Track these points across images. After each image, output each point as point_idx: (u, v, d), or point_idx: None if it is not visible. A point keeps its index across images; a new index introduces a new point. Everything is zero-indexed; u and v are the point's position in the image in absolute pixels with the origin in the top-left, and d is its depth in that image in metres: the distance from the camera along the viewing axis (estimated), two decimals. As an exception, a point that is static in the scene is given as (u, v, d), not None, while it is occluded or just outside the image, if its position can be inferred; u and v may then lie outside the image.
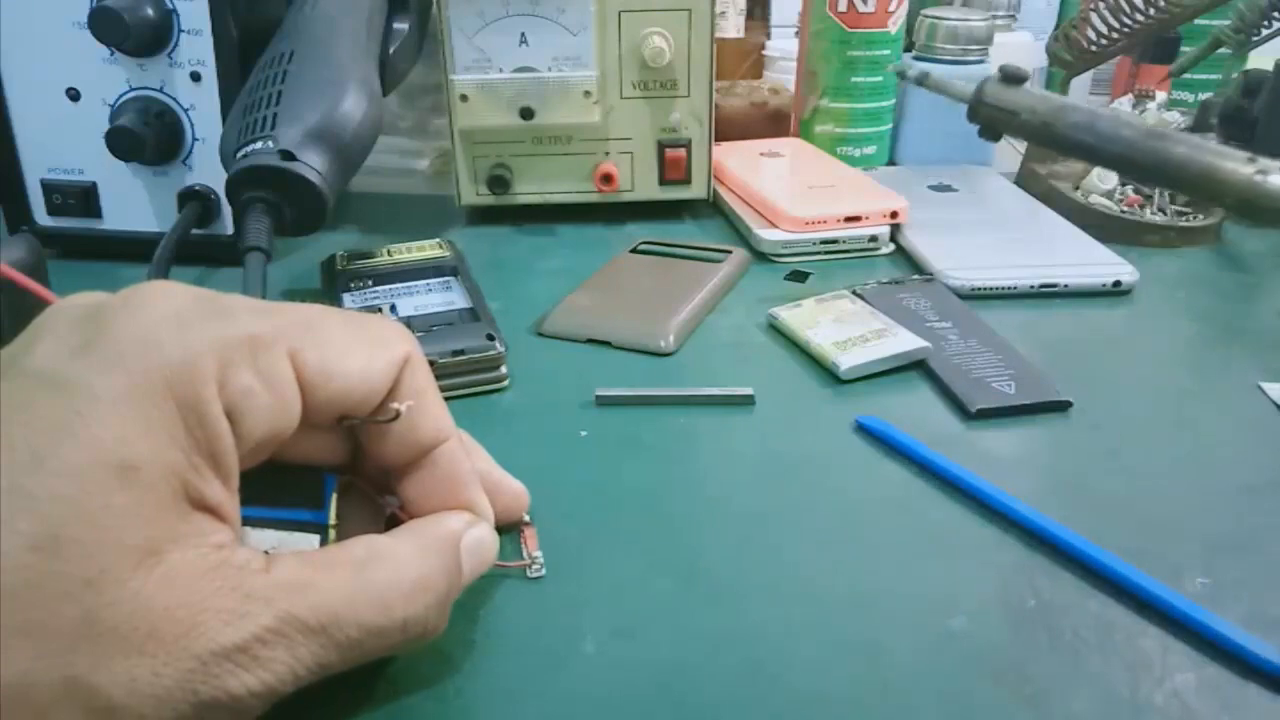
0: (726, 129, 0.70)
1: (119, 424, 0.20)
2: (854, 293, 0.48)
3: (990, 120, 0.36)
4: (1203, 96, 0.74)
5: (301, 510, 0.26)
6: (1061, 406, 0.39)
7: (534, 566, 0.30)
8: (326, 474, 0.27)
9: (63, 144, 0.53)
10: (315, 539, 0.25)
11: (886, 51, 0.68)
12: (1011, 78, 0.30)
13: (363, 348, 0.25)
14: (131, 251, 0.53)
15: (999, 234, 0.56)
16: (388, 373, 0.25)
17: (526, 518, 0.32)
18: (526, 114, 0.57)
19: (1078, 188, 0.62)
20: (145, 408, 0.21)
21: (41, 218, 0.54)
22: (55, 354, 0.21)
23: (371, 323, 0.26)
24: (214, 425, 0.22)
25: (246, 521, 0.24)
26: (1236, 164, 0.25)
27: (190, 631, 0.20)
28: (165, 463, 0.21)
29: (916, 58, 0.72)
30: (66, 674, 0.19)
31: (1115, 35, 0.69)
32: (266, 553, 0.23)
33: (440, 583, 0.25)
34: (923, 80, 0.39)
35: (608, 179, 0.60)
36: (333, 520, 0.26)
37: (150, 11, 0.49)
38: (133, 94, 0.51)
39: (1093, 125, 0.30)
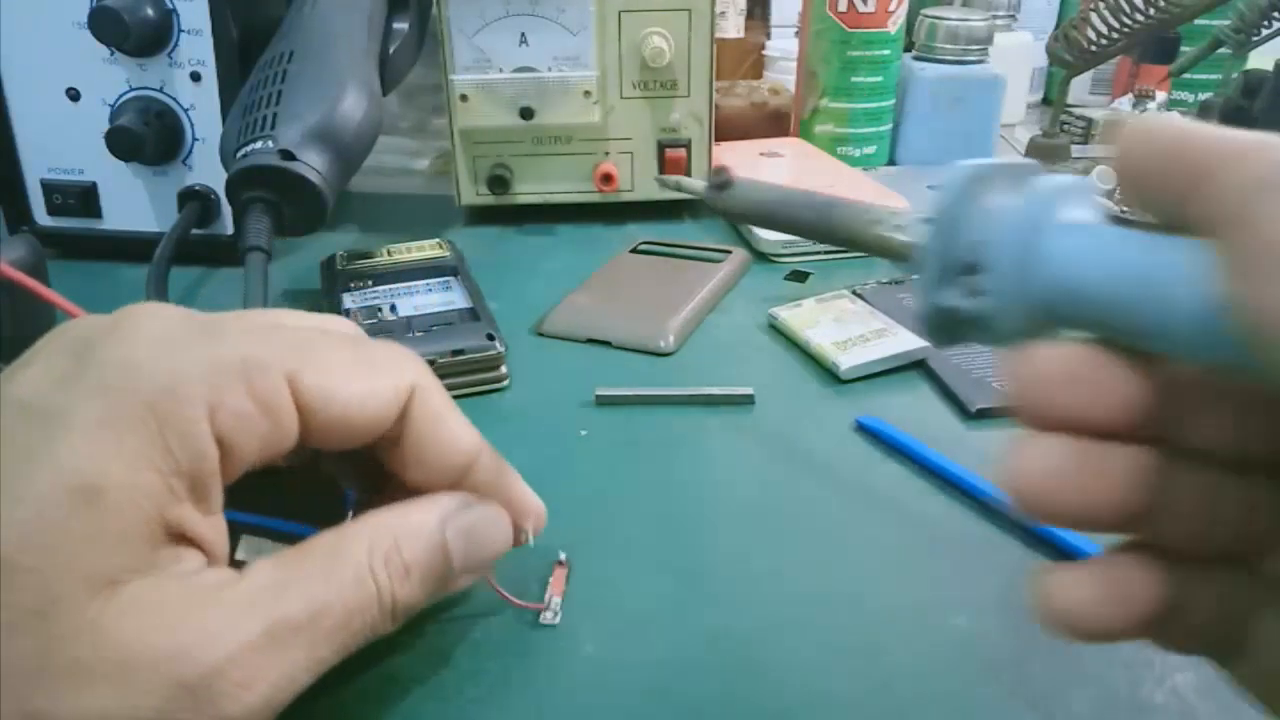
0: (726, 129, 0.70)
1: (87, 448, 0.20)
2: (854, 293, 0.48)
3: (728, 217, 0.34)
4: (1203, 96, 0.74)
5: (318, 528, 0.25)
6: (1061, 406, 0.39)
7: (548, 613, 0.28)
8: (347, 490, 0.27)
9: (63, 144, 0.53)
10: None
11: (886, 52, 0.68)
12: (718, 186, 0.29)
13: (366, 373, 0.24)
14: (131, 251, 0.53)
15: (999, 234, 0.56)
16: (392, 399, 0.24)
17: (562, 556, 0.30)
18: (526, 114, 0.57)
19: (1077, 188, 0.62)
20: (120, 431, 0.20)
21: (41, 218, 0.54)
22: (39, 383, 0.21)
23: (379, 349, 0.25)
24: (197, 448, 0.21)
25: (257, 531, 0.24)
26: (866, 222, 0.24)
27: (172, 657, 0.19)
28: (137, 485, 0.20)
29: (916, 58, 0.72)
30: (25, 709, 0.18)
31: (1115, 35, 0.69)
32: (240, 561, 0.23)
33: (420, 557, 0.23)
34: (677, 185, 0.37)
35: (608, 179, 0.60)
36: None
37: (150, 11, 0.49)
38: (133, 94, 0.51)
39: (785, 210, 0.28)
